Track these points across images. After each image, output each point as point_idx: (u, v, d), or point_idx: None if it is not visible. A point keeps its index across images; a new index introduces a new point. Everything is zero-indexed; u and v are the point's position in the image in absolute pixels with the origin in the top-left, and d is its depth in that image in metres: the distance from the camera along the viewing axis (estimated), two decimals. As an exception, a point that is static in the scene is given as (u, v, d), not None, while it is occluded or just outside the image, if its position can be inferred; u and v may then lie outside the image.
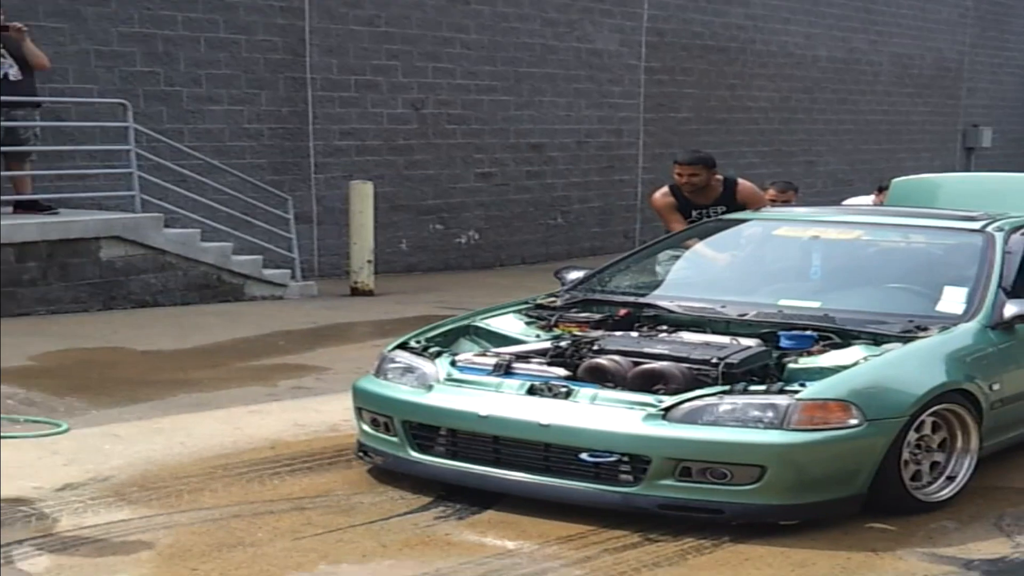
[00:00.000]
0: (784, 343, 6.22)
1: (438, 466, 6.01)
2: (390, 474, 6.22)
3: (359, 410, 6.42)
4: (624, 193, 18.75)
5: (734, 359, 5.89)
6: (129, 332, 10.37)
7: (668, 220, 8.97)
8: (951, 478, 6.11)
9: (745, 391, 5.68)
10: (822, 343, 6.24)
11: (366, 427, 6.37)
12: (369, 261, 13.44)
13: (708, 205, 8.87)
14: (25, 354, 9.18)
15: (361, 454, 6.40)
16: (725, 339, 6.31)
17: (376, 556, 5.22)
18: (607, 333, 6.60)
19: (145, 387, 8.28)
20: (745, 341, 6.23)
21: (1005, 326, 6.51)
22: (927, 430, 6.00)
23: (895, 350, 6.11)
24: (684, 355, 6.00)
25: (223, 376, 8.81)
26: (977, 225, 7.29)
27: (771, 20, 21.14)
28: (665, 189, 9.18)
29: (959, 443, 6.15)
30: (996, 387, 6.31)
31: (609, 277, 7.66)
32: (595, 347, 6.28)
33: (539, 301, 7.22)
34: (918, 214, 8.05)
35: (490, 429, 5.85)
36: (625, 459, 5.61)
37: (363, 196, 13.47)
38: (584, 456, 5.63)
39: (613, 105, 18.46)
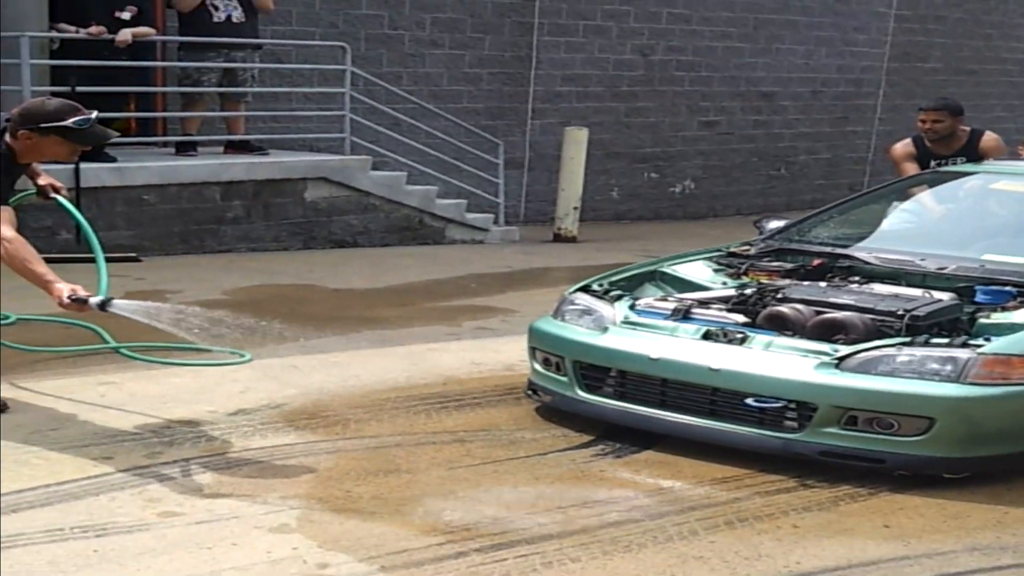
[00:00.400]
0: (980, 298, 6.16)
1: (604, 406, 6.15)
2: (556, 413, 6.38)
3: (533, 350, 6.56)
4: (856, 145, 18.30)
5: (921, 311, 5.87)
6: (324, 271, 10.68)
7: (903, 170, 8.89)
8: None
9: (927, 343, 5.67)
10: (1020, 299, 6.11)
11: (538, 366, 6.50)
12: (575, 208, 13.50)
13: (949, 156, 8.80)
14: (220, 288, 9.57)
15: (530, 392, 6.55)
16: (917, 292, 6.26)
17: (527, 486, 5.38)
18: (794, 282, 6.59)
19: (332, 323, 8.54)
20: (938, 295, 6.17)
21: None
22: None
23: None
24: (870, 306, 5.99)
25: (409, 315, 9.01)
26: None
27: (1034, -37, 20.19)
28: (907, 140, 9.19)
29: None
30: None
31: (809, 227, 7.58)
32: (779, 295, 6.31)
33: (732, 249, 7.24)
34: None
35: (660, 372, 5.96)
36: (792, 406, 5.66)
37: (577, 142, 13.56)
38: (750, 401, 5.71)
39: (855, 54, 17.98)
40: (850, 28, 17.82)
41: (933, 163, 8.75)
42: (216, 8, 11.45)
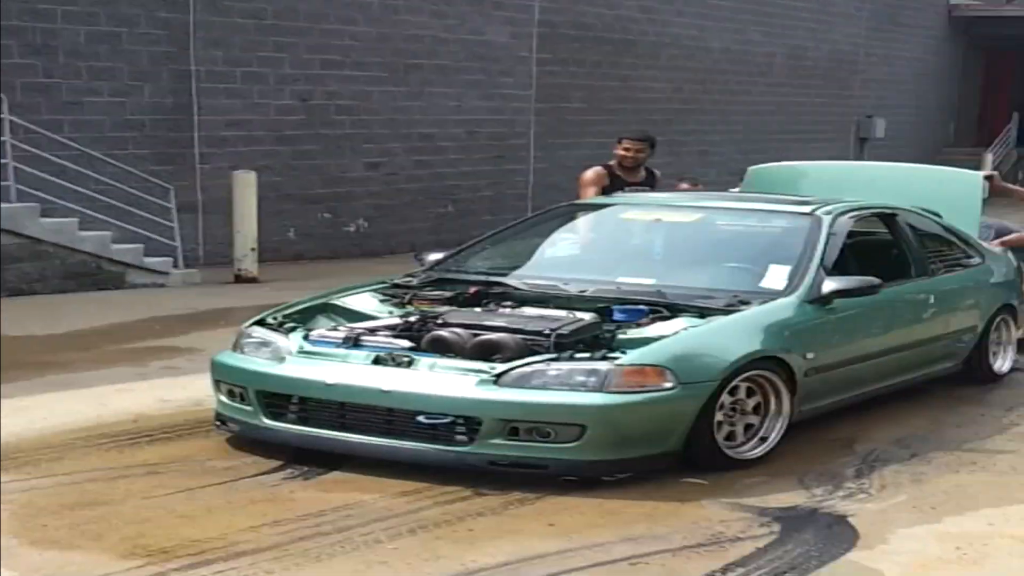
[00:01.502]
0: (617, 316, 6.73)
1: (289, 432, 6.46)
2: (247, 442, 6.63)
3: (217, 382, 6.83)
4: (516, 182, 19.16)
5: (565, 330, 6.36)
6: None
7: (584, 195, 9.42)
8: (764, 439, 6.63)
9: (572, 358, 6.16)
10: (651, 316, 6.70)
11: (223, 398, 6.78)
12: (253, 249, 13.75)
13: (637, 184, 9.44)
14: None
15: (219, 423, 6.80)
16: (562, 313, 6.72)
17: (221, 511, 5.63)
18: (453, 309, 7.04)
19: (13, 369, 8.51)
20: (580, 315, 6.65)
21: (823, 301, 7.04)
22: (741, 394, 6.50)
23: (713, 321, 6.60)
24: (520, 327, 6.47)
25: (93, 358, 9.08)
26: (808, 209, 7.87)
27: (663, 12, 21.62)
28: (598, 167, 9.67)
29: (772, 407, 6.67)
30: (810, 356, 6.84)
31: (465, 258, 8.12)
32: (439, 321, 6.71)
33: (396, 281, 7.69)
34: (757, 199, 8.63)
35: (337, 396, 6.30)
36: (460, 421, 6.07)
37: (246, 185, 13.78)
38: (421, 418, 6.09)
39: (504, 96, 18.87)
40: (496, 72, 18.67)
41: (627, 189, 9.36)
42: None
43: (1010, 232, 9.98)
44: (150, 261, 13.06)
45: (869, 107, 27.61)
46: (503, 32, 18.65)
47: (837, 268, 7.53)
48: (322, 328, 6.92)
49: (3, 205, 12.00)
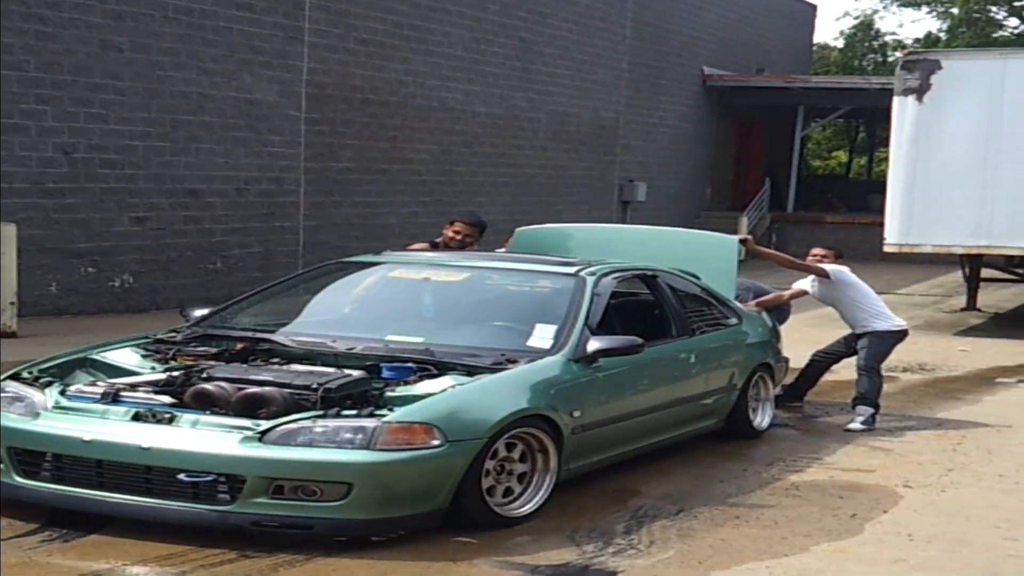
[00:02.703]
0: (386, 374, 6.78)
1: (42, 490, 6.30)
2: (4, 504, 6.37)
3: None
4: (286, 239, 19.06)
5: (332, 384, 6.37)
6: None
7: None
8: (531, 497, 6.73)
9: (339, 415, 6.16)
10: (420, 374, 6.77)
11: None
12: (12, 303, 13.32)
13: None
14: None
15: None
16: (330, 369, 6.78)
17: None
18: (220, 364, 7.00)
19: None
20: (349, 371, 6.69)
21: (589, 359, 7.23)
22: (507, 452, 6.60)
23: (481, 379, 6.69)
24: (287, 381, 6.47)
25: None
26: (572, 270, 8.06)
27: (431, 76, 21.89)
28: (425, 244, 9.97)
29: (539, 464, 6.83)
30: (577, 414, 7.01)
31: (232, 314, 8.10)
32: (204, 375, 6.66)
33: (159, 336, 7.63)
34: (524, 259, 8.77)
35: (94, 453, 6.18)
36: (222, 479, 5.99)
37: (6, 238, 13.37)
38: (182, 476, 6.00)
39: (273, 153, 18.78)
40: (264, 130, 18.57)
41: None
42: None
43: (766, 293, 10.45)
44: (-97, 317, 12.52)
45: (631, 171, 28.44)
46: (271, 91, 18.59)
47: (603, 327, 7.76)
48: (80, 383, 6.80)
49: None
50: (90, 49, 15.79)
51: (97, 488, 6.18)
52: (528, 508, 6.70)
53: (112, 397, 6.46)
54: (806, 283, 10.47)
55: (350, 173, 20.29)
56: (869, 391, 9.92)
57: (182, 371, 6.85)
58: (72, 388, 6.66)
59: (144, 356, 7.26)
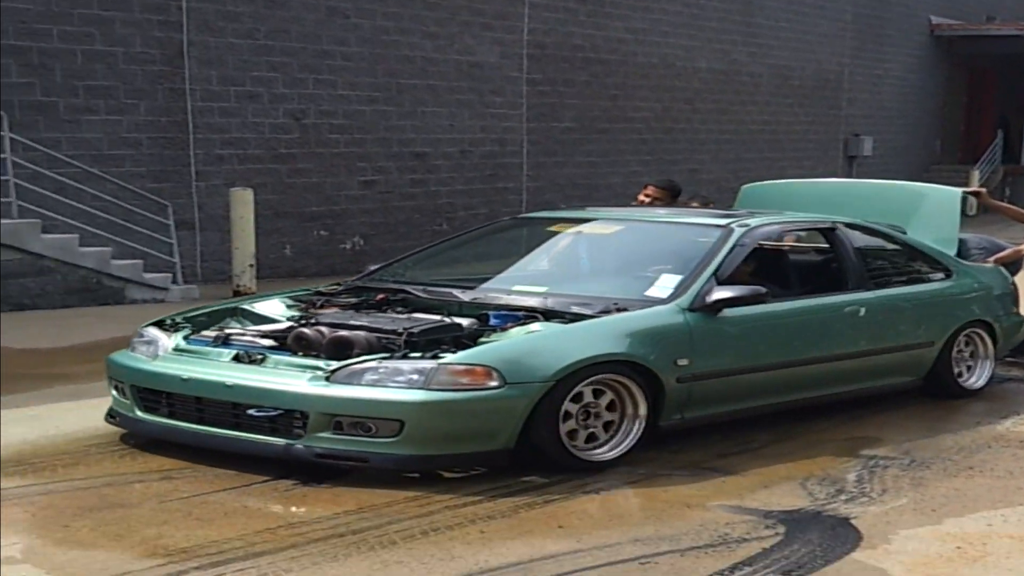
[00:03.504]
0: (492, 321, 6.92)
1: (159, 424, 6.74)
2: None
3: (110, 379, 7.11)
4: (509, 200, 19.28)
5: (417, 330, 6.59)
6: (7, 333, 10.66)
7: None
8: (618, 443, 6.73)
9: (405, 357, 6.36)
10: (522, 321, 6.87)
11: (114, 393, 7.07)
12: (251, 265, 13.82)
13: None
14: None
15: (110, 418, 7.06)
16: (433, 316, 6.99)
17: (236, 514, 5.76)
18: (338, 310, 7.32)
19: (23, 380, 8.70)
20: (458, 319, 6.89)
21: (710, 308, 7.13)
22: (591, 397, 6.59)
23: (563, 326, 6.76)
24: (379, 326, 6.72)
25: (98, 371, 8.91)
26: (725, 222, 7.93)
27: (651, 33, 21.81)
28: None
29: (628, 410, 6.76)
30: (684, 362, 6.94)
31: (398, 268, 8.36)
32: (312, 321, 6.98)
33: (320, 289, 7.98)
34: (686, 213, 8.73)
35: (192, 391, 6.58)
36: (295, 414, 6.28)
37: (243, 202, 13.86)
38: (252, 411, 6.34)
39: (496, 115, 19.01)
40: (487, 91, 18.82)
41: None
42: None
43: (1002, 249, 10.05)
44: (149, 277, 13.16)
45: (856, 125, 27.84)
46: (493, 52, 18.81)
47: (766, 280, 7.73)
48: (237, 328, 7.20)
49: (4, 221, 12.09)
50: (317, 16, 16.24)
51: (198, 423, 6.57)
52: (613, 454, 6.68)
53: (224, 340, 6.86)
54: None
55: (572, 133, 20.39)
56: None
57: (300, 318, 7.19)
58: (198, 333, 7.09)
59: (289, 306, 7.57)
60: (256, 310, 7.53)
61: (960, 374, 8.90)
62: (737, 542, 5.52)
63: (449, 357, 6.30)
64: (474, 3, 18.35)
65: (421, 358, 6.31)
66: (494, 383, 6.24)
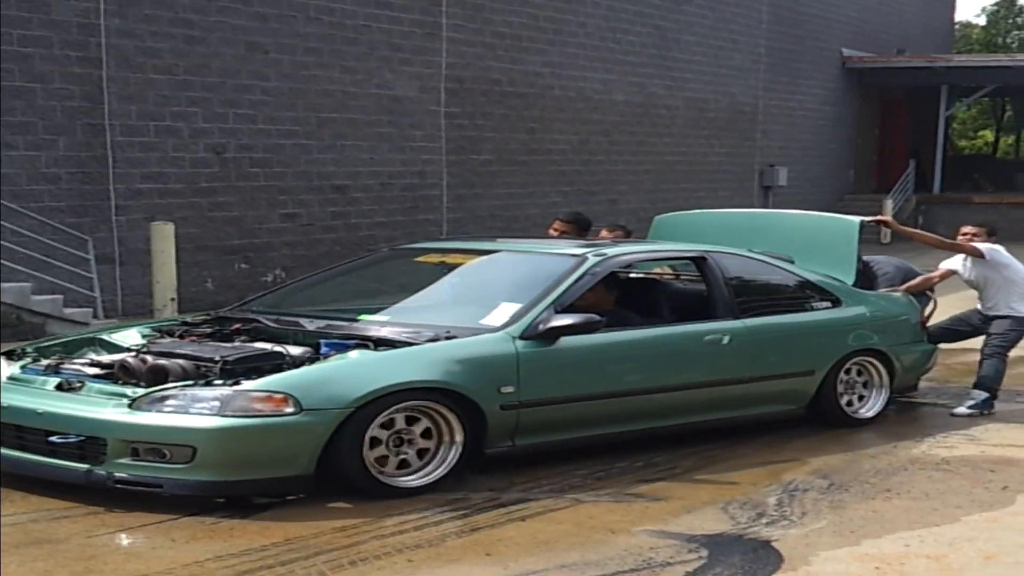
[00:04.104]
0: (323, 350, 7.01)
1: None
2: None
3: None
4: (430, 232, 19.36)
5: (232, 358, 6.67)
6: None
7: None
8: (431, 471, 6.79)
9: (208, 384, 6.46)
10: (351, 349, 6.94)
11: None
12: (172, 299, 13.76)
13: None
14: None
15: None
16: (260, 345, 7.11)
17: (164, 548, 5.84)
18: (172, 340, 7.41)
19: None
20: (289, 348, 6.96)
21: (543, 336, 7.18)
22: (402, 423, 6.67)
23: (381, 353, 6.85)
24: (199, 355, 6.81)
25: None
26: (580, 251, 8.00)
27: (568, 67, 22.04)
28: None
29: (444, 437, 6.83)
30: (509, 390, 6.99)
31: (268, 299, 8.46)
32: (144, 350, 7.10)
33: (187, 319, 8.10)
34: (549, 243, 8.88)
35: (12, 419, 6.65)
36: (98, 441, 6.34)
37: (164, 236, 13.82)
38: (53, 438, 6.43)
39: (416, 148, 19.11)
40: (406, 125, 18.92)
41: None
42: None
43: (917, 275, 9.95)
44: (70, 312, 13.05)
45: (772, 156, 28.28)
46: (412, 87, 18.93)
47: (634, 308, 7.95)
48: (74, 359, 7.25)
49: (-79, 259, 11.96)
50: (236, 51, 16.27)
51: (20, 450, 6.64)
52: (423, 481, 6.73)
53: (54, 369, 6.94)
54: (956, 263, 9.83)
55: (491, 165, 20.55)
56: (993, 377, 9.38)
57: (139, 348, 7.27)
58: (38, 363, 7.14)
59: (144, 336, 7.65)
60: (113, 340, 7.62)
61: (850, 403, 8.89)
62: (661, 566, 5.64)
63: (247, 384, 6.38)
64: (392, 38, 18.48)
65: (222, 385, 6.40)
66: (290, 409, 6.31)
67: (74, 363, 7.06)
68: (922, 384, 10.10)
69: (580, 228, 9.83)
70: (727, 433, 8.28)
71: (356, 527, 6.12)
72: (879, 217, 10.12)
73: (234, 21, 16.17)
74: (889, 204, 29.08)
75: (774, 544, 5.99)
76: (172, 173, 15.57)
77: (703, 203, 23.35)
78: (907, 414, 9.45)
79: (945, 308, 10.06)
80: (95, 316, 13.46)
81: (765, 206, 27.04)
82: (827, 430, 8.64)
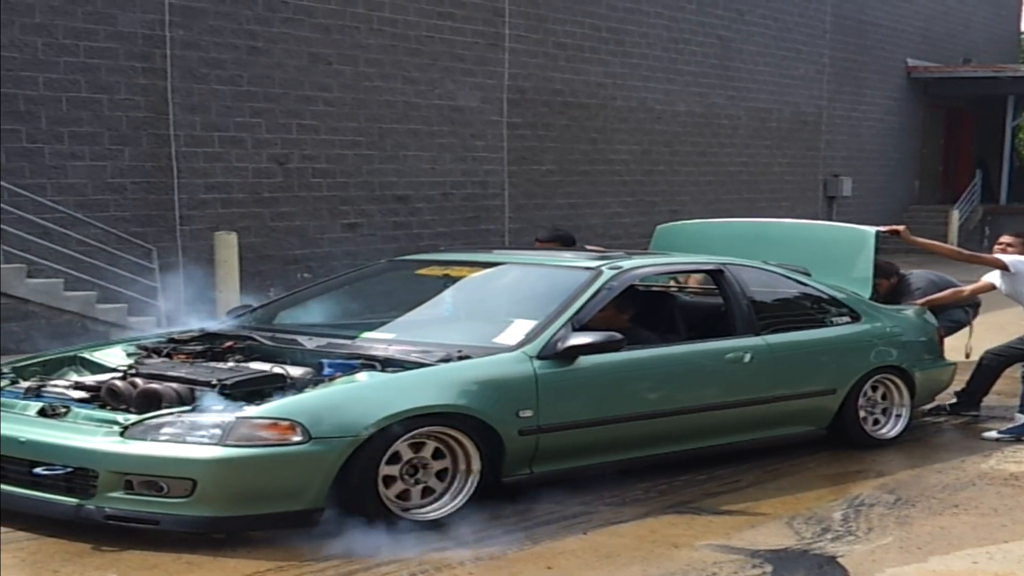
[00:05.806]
0: (326, 371, 6.51)
1: None
2: None
3: None
4: (492, 242, 19.35)
5: (231, 381, 6.16)
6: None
7: None
8: (448, 502, 6.32)
9: (207, 409, 5.93)
10: (357, 370, 6.43)
11: None
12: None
13: None
14: None
15: None
16: (261, 365, 6.57)
17: None
18: (163, 360, 6.87)
19: None
20: (289, 369, 6.46)
21: (561, 356, 6.71)
22: (421, 452, 6.20)
23: (390, 375, 6.32)
24: (194, 377, 6.28)
25: None
26: (594, 264, 7.49)
27: (630, 78, 21.99)
28: None
29: (461, 465, 6.36)
30: (527, 414, 6.53)
31: (262, 313, 7.93)
32: (132, 372, 6.59)
33: (174, 335, 7.49)
34: (558, 256, 8.20)
35: None
36: (88, 472, 5.82)
37: (227, 246, 13.91)
38: (38, 470, 5.87)
39: (477, 158, 19.13)
40: (468, 135, 18.94)
41: None
42: None
43: (948, 287, 9.56)
44: (134, 320, 13.15)
45: (836, 166, 28.04)
46: (474, 97, 18.95)
47: (650, 325, 7.51)
48: (56, 380, 6.76)
49: (-11, 267, 12.11)
50: (299, 62, 16.35)
51: (1, 482, 6.05)
52: (439, 514, 6.25)
53: (35, 393, 6.43)
54: (995, 276, 9.26)
55: (552, 175, 20.53)
56: None
57: (129, 368, 6.76)
58: (17, 385, 6.63)
59: (130, 354, 7.13)
60: (95, 359, 7.13)
61: (875, 422, 8.54)
62: (725, 581, 5.60)
63: (249, 410, 5.87)
64: (455, 49, 18.51)
65: (223, 411, 5.89)
66: (297, 438, 5.79)
67: (57, 385, 6.54)
68: (991, 400, 9.80)
69: (563, 245, 9.35)
70: (786, 448, 8.12)
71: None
72: (892, 227, 9.58)
73: (297, 32, 16.27)
74: (956, 215, 28.76)
75: (840, 560, 5.92)
76: (235, 183, 15.68)
77: (765, 214, 23.18)
78: (973, 428, 9.29)
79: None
80: (159, 325, 13.53)
81: (829, 217, 26.82)
82: (888, 446, 8.48)
